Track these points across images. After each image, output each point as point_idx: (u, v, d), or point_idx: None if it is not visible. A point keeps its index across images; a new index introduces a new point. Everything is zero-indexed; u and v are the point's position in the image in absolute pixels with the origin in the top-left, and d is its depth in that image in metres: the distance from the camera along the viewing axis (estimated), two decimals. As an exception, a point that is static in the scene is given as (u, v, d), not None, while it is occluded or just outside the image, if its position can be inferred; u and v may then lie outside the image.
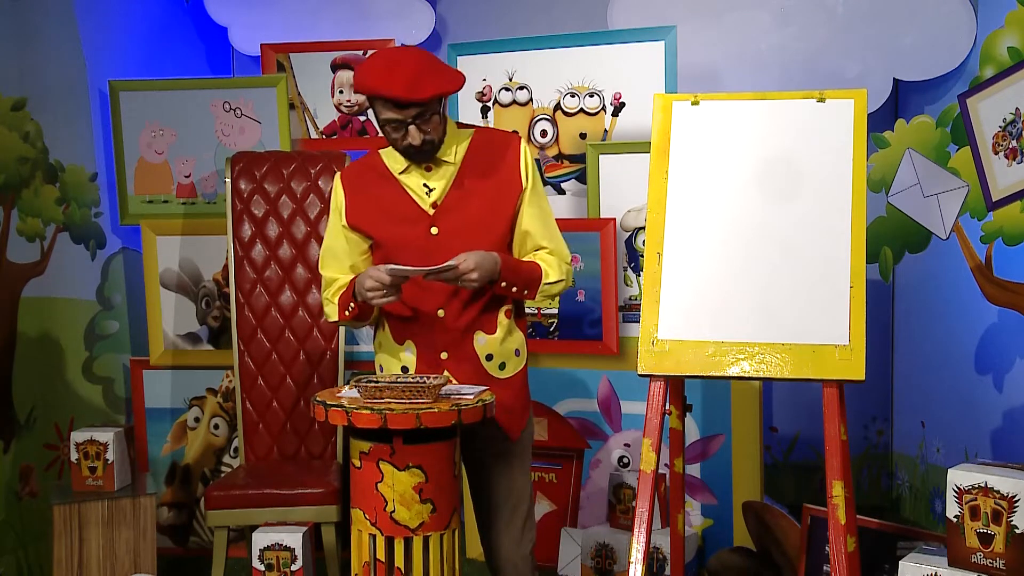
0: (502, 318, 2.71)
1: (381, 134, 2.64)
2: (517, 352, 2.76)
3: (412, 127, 2.55)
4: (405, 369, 2.74)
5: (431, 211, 2.66)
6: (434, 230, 2.66)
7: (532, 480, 2.86)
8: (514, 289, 2.65)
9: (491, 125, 4.00)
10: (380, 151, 2.75)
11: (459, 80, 2.62)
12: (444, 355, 2.69)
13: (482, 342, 2.69)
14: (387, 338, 2.77)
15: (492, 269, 2.57)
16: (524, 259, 2.72)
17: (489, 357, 2.70)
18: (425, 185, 2.67)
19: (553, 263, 2.71)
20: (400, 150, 2.64)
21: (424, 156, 2.64)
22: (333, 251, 2.78)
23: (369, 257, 2.77)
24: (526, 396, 2.81)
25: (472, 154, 2.70)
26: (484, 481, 2.79)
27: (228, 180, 3.87)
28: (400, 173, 2.69)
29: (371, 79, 2.52)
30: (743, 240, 2.67)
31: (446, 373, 2.68)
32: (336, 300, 2.76)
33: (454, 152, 2.68)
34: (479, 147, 2.71)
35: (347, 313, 2.72)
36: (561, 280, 2.72)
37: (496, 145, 2.73)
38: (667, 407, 2.74)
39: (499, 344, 2.71)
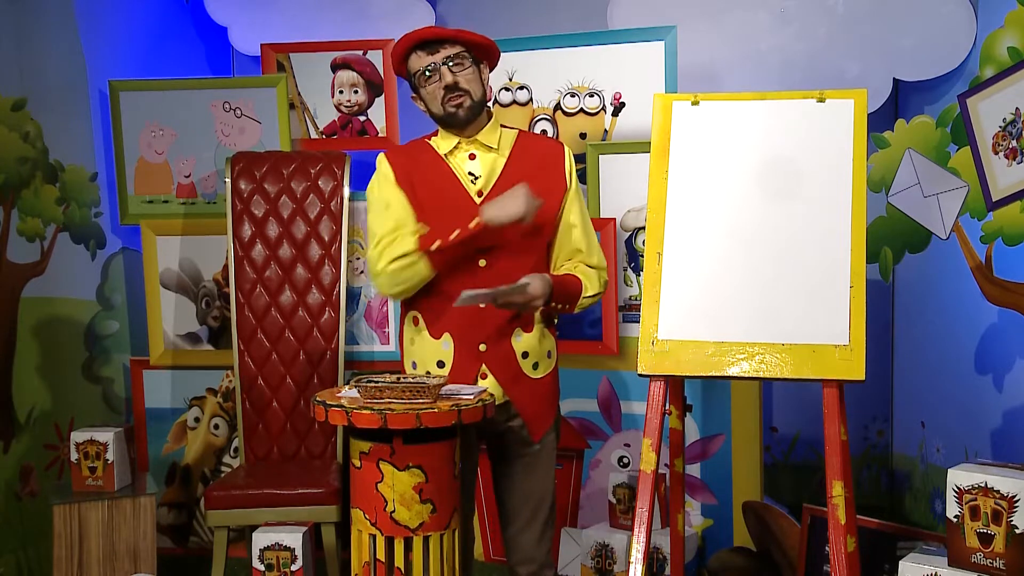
0: (538, 317, 2.71)
1: (422, 103, 2.66)
2: (549, 354, 2.76)
3: (444, 68, 2.59)
4: (441, 364, 2.69)
5: (477, 199, 2.64)
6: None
7: (555, 481, 2.83)
8: (557, 307, 2.67)
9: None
10: (428, 139, 2.74)
11: (491, 42, 2.66)
12: (483, 347, 2.67)
13: (519, 339, 2.69)
14: (422, 333, 2.72)
15: (547, 293, 2.59)
16: (566, 272, 2.73)
17: (525, 355, 2.70)
18: (471, 173, 2.67)
19: (592, 276, 2.74)
20: (440, 107, 2.62)
21: (463, 120, 2.63)
22: (393, 213, 2.64)
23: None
24: (553, 399, 2.80)
25: (518, 151, 2.71)
26: (506, 481, 2.79)
27: (228, 180, 3.88)
28: (447, 153, 2.68)
29: (402, 39, 2.61)
30: (743, 240, 2.67)
31: (483, 367, 2.67)
32: (417, 243, 2.57)
33: (498, 139, 2.69)
34: (525, 146, 2.74)
35: (433, 248, 2.55)
36: (598, 293, 2.76)
37: (542, 147, 2.78)
38: (667, 407, 2.74)
39: (536, 343, 2.71)
